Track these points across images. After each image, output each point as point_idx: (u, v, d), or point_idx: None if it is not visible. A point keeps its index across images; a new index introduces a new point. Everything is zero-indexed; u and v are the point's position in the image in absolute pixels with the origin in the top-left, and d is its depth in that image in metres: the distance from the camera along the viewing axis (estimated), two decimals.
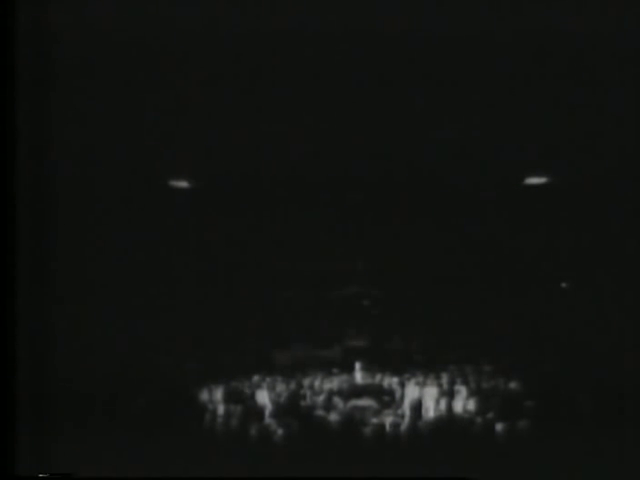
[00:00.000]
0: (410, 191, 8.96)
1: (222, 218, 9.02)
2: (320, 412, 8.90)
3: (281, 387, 9.21)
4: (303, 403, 9.05)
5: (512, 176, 9.04)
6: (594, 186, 8.65)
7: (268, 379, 9.31)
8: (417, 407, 8.90)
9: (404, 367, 9.34)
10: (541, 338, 9.09)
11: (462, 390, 9.03)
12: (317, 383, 9.30)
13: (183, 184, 9.16)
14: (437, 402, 8.91)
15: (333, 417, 8.85)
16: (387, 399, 9.08)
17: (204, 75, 8.26)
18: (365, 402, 9.01)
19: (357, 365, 9.38)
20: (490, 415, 8.70)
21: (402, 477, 7.48)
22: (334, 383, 9.29)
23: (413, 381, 9.19)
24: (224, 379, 9.11)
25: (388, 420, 8.77)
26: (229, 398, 8.99)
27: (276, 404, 8.99)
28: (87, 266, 8.53)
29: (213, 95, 8.44)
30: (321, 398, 9.11)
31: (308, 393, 9.21)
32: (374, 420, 8.77)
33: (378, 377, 9.33)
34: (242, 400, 9.02)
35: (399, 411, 8.92)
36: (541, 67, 8.25)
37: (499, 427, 8.57)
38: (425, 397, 8.98)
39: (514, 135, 8.68)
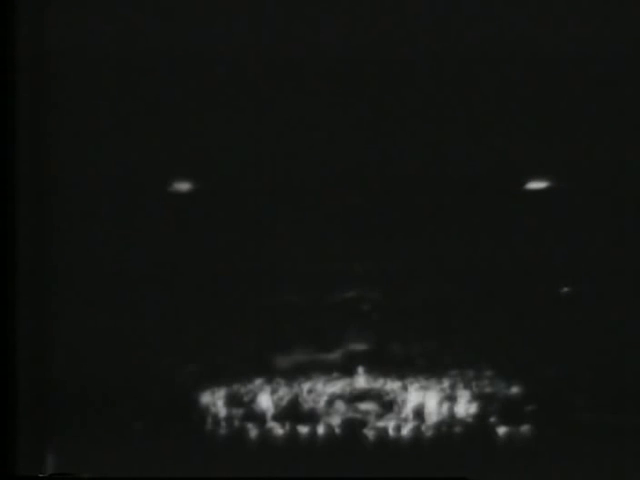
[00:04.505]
0: (410, 191, 8.97)
1: (222, 218, 9.04)
2: (320, 416, 8.89)
3: (283, 391, 9.20)
4: (303, 407, 9.04)
5: (513, 180, 9.04)
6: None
7: (267, 382, 9.30)
8: (419, 411, 8.89)
9: (406, 371, 9.33)
10: (543, 343, 9.08)
11: (464, 394, 9.02)
12: (318, 387, 9.28)
13: (183, 185, 9.17)
14: (439, 406, 8.89)
15: (333, 421, 8.85)
16: (388, 403, 9.07)
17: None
18: (366, 406, 9.00)
19: (359, 369, 9.37)
20: (492, 419, 8.69)
21: (402, 477, 7.47)
22: (335, 387, 9.27)
23: (415, 385, 9.17)
24: (222, 382, 9.10)
25: (389, 423, 8.76)
26: (227, 402, 8.98)
27: (276, 408, 8.98)
28: (86, 267, 8.55)
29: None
30: (321, 402, 9.09)
31: (308, 397, 9.19)
32: (375, 423, 8.76)
33: (380, 381, 9.31)
34: (239, 404, 9.00)
35: (401, 415, 8.91)
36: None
37: (501, 431, 8.57)
38: (427, 401, 8.96)
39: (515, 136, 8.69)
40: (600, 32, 8.13)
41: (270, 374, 9.22)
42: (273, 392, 9.18)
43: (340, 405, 9.07)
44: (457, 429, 8.70)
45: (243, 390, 9.12)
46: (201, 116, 8.58)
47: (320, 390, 9.26)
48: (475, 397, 8.98)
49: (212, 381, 9.05)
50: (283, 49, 8.26)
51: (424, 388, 9.13)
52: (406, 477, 7.37)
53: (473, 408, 8.87)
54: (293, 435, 8.73)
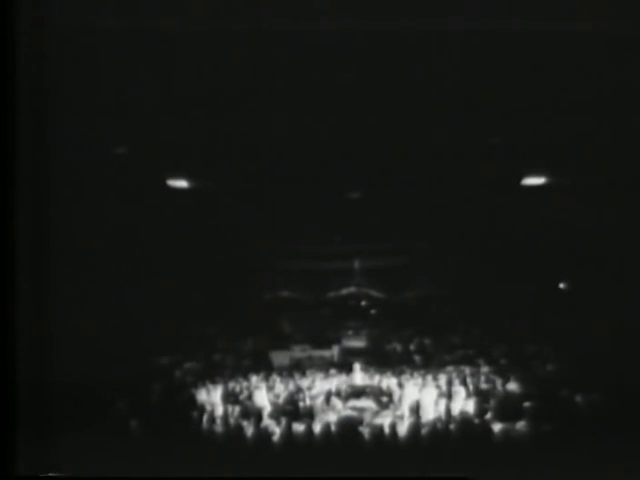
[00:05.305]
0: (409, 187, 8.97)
1: (221, 216, 9.03)
2: (318, 412, 8.89)
3: (279, 388, 9.19)
4: (300, 404, 9.03)
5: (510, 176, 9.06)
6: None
7: (265, 379, 9.29)
8: (415, 408, 8.89)
9: (402, 368, 9.34)
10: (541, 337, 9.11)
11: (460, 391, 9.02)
12: (316, 383, 9.27)
13: (180, 183, 9.16)
14: (436, 403, 8.90)
15: (331, 417, 8.84)
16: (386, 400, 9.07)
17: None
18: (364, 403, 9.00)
19: (356, 366, 9.37)
20: (488, 416, 8.71)
21: (402, 477, 7.47)
22: (332, 384, 9.27)
23: (411, 382, 9.17)
24: (220, 379, 9.09)
25: (386, 420, 8.77)
26: (225, 399, 8.96)
27: (273, 405, 8.97)
28: (84, 264, 8.53)
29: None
30: (319, 399, 9.09)
31: (306, 394, 9.18)
32: (372, 420, 8.76)
33: (376, 378, 9.30)
34: (237, 401, 8.99)
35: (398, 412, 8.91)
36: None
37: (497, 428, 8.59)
38: (424, 398, 8.96)
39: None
40: None
41: (268, 370, 9.24)
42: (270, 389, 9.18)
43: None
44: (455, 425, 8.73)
45: (240, 387, 9.13)
46: (196, 114, 8.54)
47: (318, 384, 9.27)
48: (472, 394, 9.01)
49: (210, 378, 9.06)
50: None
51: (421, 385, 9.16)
52: (406, 477, 7.37)
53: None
54: (289, 431, 8.74)
